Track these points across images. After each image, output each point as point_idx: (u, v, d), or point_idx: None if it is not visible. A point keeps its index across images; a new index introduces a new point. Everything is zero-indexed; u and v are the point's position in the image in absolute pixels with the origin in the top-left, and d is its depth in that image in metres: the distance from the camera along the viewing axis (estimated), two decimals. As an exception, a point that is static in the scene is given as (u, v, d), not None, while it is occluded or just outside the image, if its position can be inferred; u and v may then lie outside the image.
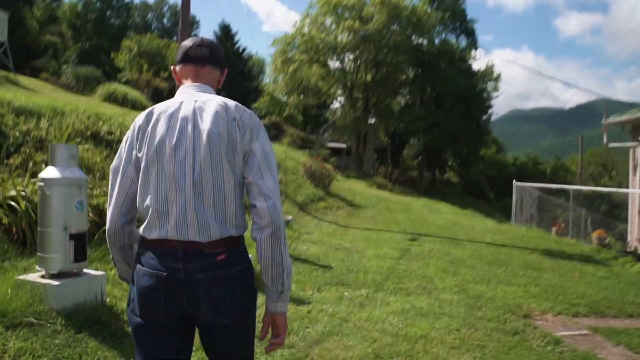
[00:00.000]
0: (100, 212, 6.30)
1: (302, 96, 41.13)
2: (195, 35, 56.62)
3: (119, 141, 9.41)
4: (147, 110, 1.93)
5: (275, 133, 28.43)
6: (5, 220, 5.11)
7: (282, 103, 41.79)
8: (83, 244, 4.44)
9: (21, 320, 3.88)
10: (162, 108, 1.90)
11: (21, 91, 11.91)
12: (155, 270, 1.79)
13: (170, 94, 24.69)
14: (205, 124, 1.82)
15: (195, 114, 1.85)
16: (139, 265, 1.85)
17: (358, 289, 6.67)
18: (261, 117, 34.55)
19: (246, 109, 1.96)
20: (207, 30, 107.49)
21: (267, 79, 50.93)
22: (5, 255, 4.86)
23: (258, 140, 1.88)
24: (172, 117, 1.85)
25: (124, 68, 30.14)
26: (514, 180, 17.49)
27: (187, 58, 2.02)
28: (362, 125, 38.39)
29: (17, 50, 31.39)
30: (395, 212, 17.56)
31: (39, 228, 4.34)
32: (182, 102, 1.90)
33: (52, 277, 4.28)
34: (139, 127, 1.88)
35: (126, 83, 24.66)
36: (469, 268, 8.43)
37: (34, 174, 6.44)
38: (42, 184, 4.31)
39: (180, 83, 2.05)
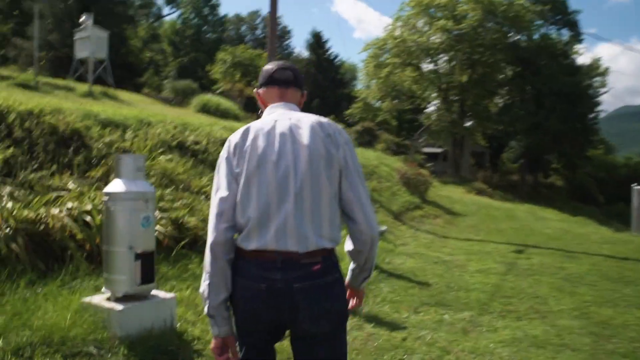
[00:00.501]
0: (179, 226, 5.97)
1: (395, 101, 40.22)
2: (287, 44, 57.72)
3: (205, 151, 9.19)
4: (242, 129, 2.03)
5: (368, 139, 27.77)
6: (79, 235, 4.85)
7: (376, 109, 41.17)
8: (150, 264, 4.04)
9: (81, 349, 3.51)
10: (258, 126, 2.00)
11: (117, 104, 12.10)
12: (254, 282, 1.88)
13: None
14: (304, 140, 1.93)
15: (292, 131, 1.96)
16: (236, 277, 1.93)
17: (460, 310, 5.88)
18: (354, 124, 34.25)
19: (337, 125, 2.07)
20: (299, 40, 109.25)
21: (360, 85, 50.66)
22: (76, 273, 4.57)
23: (351, 155, 2.01)
24: (270, 134, 1.96)
25: (218, 79, 30.80)
26: (634, 184, 15.67)
27: (273, 80, 2.14)
28: (459, 129, 36.84)
29: (121, 67, 33.01)
30: (498, 219, 16.34)
31: (103, 246, 4.00)
32: (276, 120, 2.01)
33: (117, 300, 3.91)
34: (235, 145, 1.98)
35: (221, 94, 25.10)
36: (588, 286, 7.33)
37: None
38: (106, 198, 3.96)
39: (265, 105, 2.17)
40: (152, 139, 8.12)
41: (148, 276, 4.04)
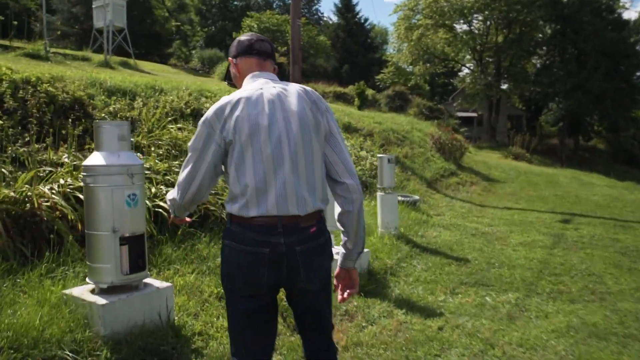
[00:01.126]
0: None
1: (428, 64, 38.95)
2: (316, 9, 56.16)
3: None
4: (226, 98, 2.03)
5: (400, 103, 26.75)
6: (71, 215, 4.31)
7: (407, 73, 40.07)
8: (140, 249, 3.46)
9: (55, 353, 2.96)
10: (244, 95, 2.02)
11: (134, 74, 11.52)
12: (256, 247, 1.93)
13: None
14: (292, 107, 2.01)
15: (281, 98, 2.02)
16: (234, 243, 1.98)
17: (503, 291, 5.19)
18: (384, 89, 33.23)
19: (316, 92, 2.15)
20: (328, 4, 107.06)
21: (391, 49, 49.45)
22: (62, 258, 4.03)
23: (333, 121, 2.13)
24: (258, 102, 2.00)
25: (245, 47, 29.99)
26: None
27: (252, 50, 2.16)
28: (494, 92, 35.45)
29: (146, 37, 32.63)
30: (539, 186, 15.39)
31: (85, 230, 3.42)
32: (262, 89, 2.05)
33: (102, 292, 3.35)
34: (223, 114, 1.98)
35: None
36: (649, 261, 6.53)
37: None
38: (84, 173, 3.37)
39: (240, 74, 2.19)
40: (163, 107, 7.51)
41: (138, 263, 3.47)
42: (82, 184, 4.35)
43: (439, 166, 14.35)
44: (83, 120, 6.10)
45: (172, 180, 5.66)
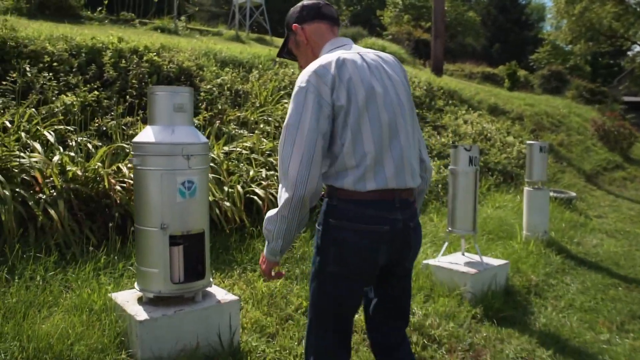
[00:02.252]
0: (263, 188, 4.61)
1: (590, 42, 35.15)
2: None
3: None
4: (331, 60, 1.76)
5: (556, 85, 24.06)
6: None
7: (566, 52, 36.59)
8: (199, 252, 2.73)
9: (77, 379, 2.32)
10: (344, 56, 1.79)
11: (265, 48, 11.06)
12: (374, 225, 1.75)
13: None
14: (394, 75, 1.86)
15: (383, 65, 1.85)
16: (345, 222, 1.75)
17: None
18: (538, 69, 30.47)
19: None
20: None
21: (548, 26, 45.73)
22: (130, 249, 3.45)
23: None
24: (364, 66, 1.80)
25: (389, 25, 29.02)
26: None
27: (322, 15, 1.95)
28: (674, 73, 30.88)
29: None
30: None
31: (135, 224, 2.75)
32: (359, 53, 1.85)
33: (149, 303, 2.66)
34: (332, 76, 1.72)
35: (391, 39, 23.35)
36: None
37: (217, 136, 5.07)
38: (133, 152, 2.68)
39: (309, 41, 1.94)
40: (281, 79, 6.83)
41: (196, 269, 2.74)
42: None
43: (601, 157, 12.30)
44: (188, 92, 5.58)
45: (274, 162, 4.93)
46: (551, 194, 7.12)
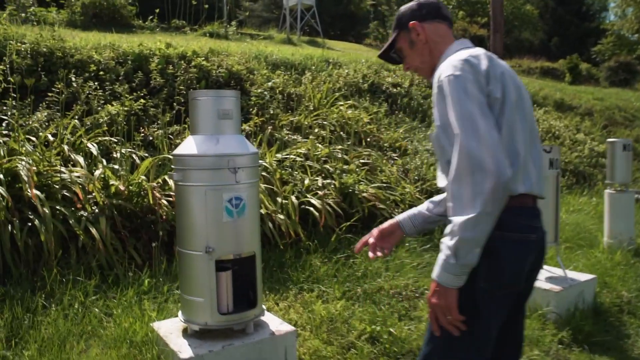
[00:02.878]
0: (348, 196, 4.25)
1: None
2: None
3: (407, 95, 7.32)
4: (478, 53, 1.63)
5: (624, 77, 22.70)
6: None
7: (632, 42, 34.82)
8: (250, 278, 2.40)
9: None
10: (492, 55, 1.67)
11: (315, 50, 10.78)
12: (525, 233, 1.60)
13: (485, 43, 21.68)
14: (519, 81, 1.71)
15: (511, 69, 1.73)
16: (497, 231, 1.51)
17: None
18: (601, 62, 29.07)
19: None
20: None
21: (612, 16, 43.75)
22: (166, 270, 3.16)
23: None
24: (502, 66, 1.66)
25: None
26: None
27: (443, 16, 1.82)
28: None
29: (342, 18, 32.67)
30: None
31: (177, 247, 2.45)
32: (489, 54, 1.68)
33: (195, 335, 2.35)
34: (487, 67, 1.58)
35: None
36: None
37: (270, 143, 4.76)
38: (173, 166, 2.38)
39: (427, 40, 1.78)
40: (336, 81, 6.48)
41: (247, 297, 2.41)
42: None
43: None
44: (238, 98, 5.31)
45: (331, 169, 4.57)
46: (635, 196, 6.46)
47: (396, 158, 5.66)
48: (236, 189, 2.29)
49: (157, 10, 10.01)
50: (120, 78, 4.80)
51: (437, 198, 1.91)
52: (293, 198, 3.94)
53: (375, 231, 1.89)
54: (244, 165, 2.31)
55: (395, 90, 7.35)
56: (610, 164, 5.59)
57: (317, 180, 4.34)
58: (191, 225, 2.29)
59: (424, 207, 1.91)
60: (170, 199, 3.54)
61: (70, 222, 3.08)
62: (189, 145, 2.30)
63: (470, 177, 1.44)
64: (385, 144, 5.82)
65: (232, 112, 2.35)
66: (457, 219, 1.43)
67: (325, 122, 5.41)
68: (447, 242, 1.45)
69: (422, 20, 1.79)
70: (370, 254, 1.87)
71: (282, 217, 3.81)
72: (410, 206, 4.76)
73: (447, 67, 1.58)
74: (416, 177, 5.29)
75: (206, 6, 10.93)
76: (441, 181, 1.71)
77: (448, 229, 1.45)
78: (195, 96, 2.34)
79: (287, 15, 13.89)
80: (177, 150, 2.33)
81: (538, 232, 1.65)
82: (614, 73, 22.62)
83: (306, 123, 5.27)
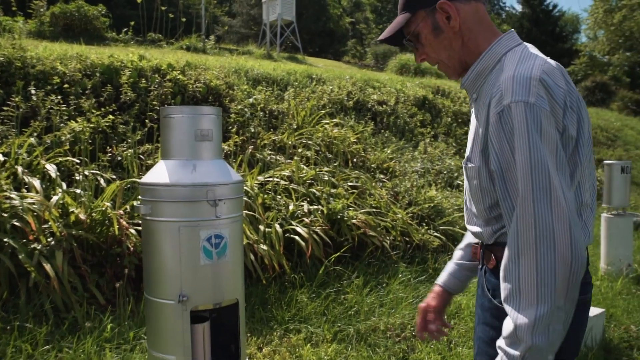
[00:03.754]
0: (336, 223, 3.89)
1: (629, 52, 34.29)
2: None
3: (393, 113, 7.01)
4: (552, 66, 1.20)
5: (601, 96, 22.91)
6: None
7: (603, 63, 35.57)
8: (232, 329, 2.01)
9: None
10: (562, 69, 1.24)
11: (295, 65, 10.48)
12: (587, 293, 1.31)
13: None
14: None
15: None
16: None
17: None
18: (578, 82, 29.54)
19: None
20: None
21: (584, 37, 44.71)
22: (134, 311, 2.75)
23: None
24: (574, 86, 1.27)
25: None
26: None
27: None
28: None
29: (321, 35, 32.58)
30: None
31: (144, 293, 2.05)
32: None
33: (163, 403, 1.94)
34: (558, 89, 1.17)
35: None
36: None
37: (250, 164, 4.39)
38: (140, 197, 1.99)
39: (460, 26, 1.30)
40: (319, 98, 6.15)
41: (226, 352, 2.02)
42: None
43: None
44: (216, 114, 4.93)
45: (317, 193, 4.21)
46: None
47: (385, 180, 5.33)
48: (216, 225, 1.90)
49: (132, 23, 9.61)
50: (86, 92, 4.39)
51: (462, 244, 1.61)
52: (277, 226, 3.57)
53: (424, 309, 1.58)
54: (226, 197, 1.93)
55: (381, 108, 7.05)
56: (608, 187, 5.34)
57: (302, 205, 3.98)
58: (161, 268, 1.90)
59: (462, 257, 1.59)
60: (139, 228, 3.13)
61: (20, 257, 2.66)
62: (159, 172, 1.92)
63: (535, 257, 1.09)
64: (372, 165, 5.49)
65: (212, 132, 1.98)
66: (520, 319, 1.09)
67: (310, 142, 5.06)
68: (509, 351, 1.09)
69: None
70: (432, 336, 1.58)
71: (265, 247, 3.43)
72: (402, 233, 4.42)
73: (516, 87, 1.15)
74: (406, 202, 4.96)
75: (184, 19, 10.55)
76: (474, 225, 1.36)
77: (508, 329, 1.11)
78: (168, 113, 1.96)
79: (267, 30, 13.59)
80: (146, 178, 1.94)
81: (592, 289, 1.36)
82: (591, 93, 22.82)
83: (290, 142, 4.91)
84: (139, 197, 1.98)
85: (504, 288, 1.14)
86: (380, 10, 50.68)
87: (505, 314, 1.16)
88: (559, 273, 1.08)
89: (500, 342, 1.13)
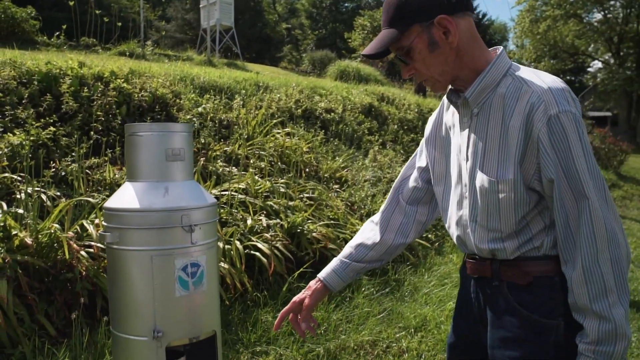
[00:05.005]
0: (296, 236, 3.77)
1: (554, 60, 36.04)
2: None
3: (341, 121, 6.97)
4: (563, 83, 1.25)
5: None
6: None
7: (530, 70, 37.27)
8: (208, 365, 1.86)
9: None
10: None
11: (239, 72, 10.27)
12: None
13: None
14: None
15: None
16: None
17: None
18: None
19: None
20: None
21: (511, 45, 46.64)
22: (104, 340, 2.54)
23: None
24: None
25: (358, 47, 28.67)
26: None
27: (472, 6, 1.31)
28: (636, 87, 31.51)
29: (257, 41, 32.38)
30: None
31: (111, 328, 1.87)
32: None
33: None
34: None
35: (362, 61, 22.88)
36: None
37: (203, 177, 4.20)
38: (104, 223, 1.81)
39: (459, 43, 1.26)
40: (267, 107, 6.02)
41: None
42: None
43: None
44: (165, 125, 4.71)
45: (275, 206, 4.08)
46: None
47: (339, 190, 5.26)
48: (192, 252, 1.75)
49: (65, 27, 9.14)
50: (24, 101, 4.08)
51: (367, 241, 1.60)
52: (237, 243, 3.41)
53: (298, 303, 1.58)
54: (202, 221, 1.78)
55: (329, 116, 6.99)
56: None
57: (261, 219, 3.83)
58: (131, 302, 1.72)
59: (351, 255, 1.59)
60: (91, 250, 2.90)
61: (-41, 288, 2.39)
62: (127, 196, 1.74)
63: (610, 256, 1.17)
64: (325, 175, 5.40)
65: (184, 151, 1.82)
66: (617, 315, 1.16)
67: (262, 152, 4.92)
68: (607, 350, 1.16)
69: (452, 13, 1.25)
70: (300, 332, 1.59)
71: (225, 266, 3.27)
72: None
73: (558, 98, 1.18)
74: (363, 212, 4.91)
75: (119, 24, 10.14)
76: (486, 242, 1.33)
77: (602, 330, 1.17)
78: (134, 131, 1.79)
79: (208, 36, 13.31)
80: (112, 203, 1.76)
81: None
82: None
83: (242, 153, 4.76)
84: (104, 222, 1.80)
85: (586, 293, 1.18)
86: (315, 17, 50.94)
87: (547, 327, 1.25)
88: (625, 267, 1.18)
89: (592, 347, 1.18)
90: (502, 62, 1.29)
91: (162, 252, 1.70)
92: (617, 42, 33.16)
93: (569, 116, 1.17)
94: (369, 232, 1.63)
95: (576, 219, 1.18)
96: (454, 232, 1.45)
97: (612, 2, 32.92)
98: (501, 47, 1.34)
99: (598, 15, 34.06)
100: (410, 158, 1.68)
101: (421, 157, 1.59)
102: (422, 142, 1.60)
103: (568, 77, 47.80)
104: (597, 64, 39.39)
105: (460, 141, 1.38)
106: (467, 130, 1.35)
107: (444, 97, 1.50)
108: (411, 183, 1.61)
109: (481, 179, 1.29)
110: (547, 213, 1.28)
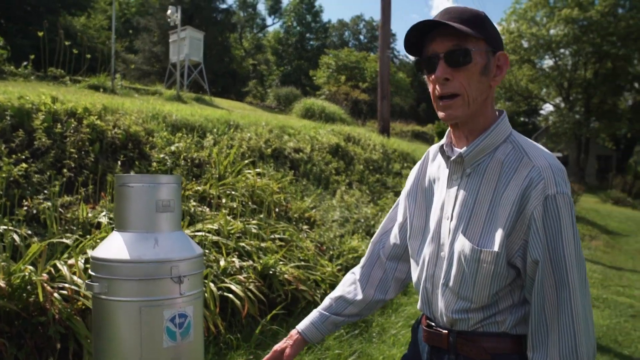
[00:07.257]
0: (266, 278, 3.80)
1: (509, 102, 37.38)
2: (392, 47, 55.18)
3: (309, 161, 7.08)
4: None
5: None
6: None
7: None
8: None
9: None
10: None
11: (208, 109, 10.31)
12: None
13: (372, 106, 22.66)
14: None
15: None
16: None
17: None
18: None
19: None
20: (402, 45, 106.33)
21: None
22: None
23: None
24: None
25: (323, 84, 29.14)
26: None
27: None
28: (584, 130, 32.91)
29: (224, 76, 32.52)
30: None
31: (93, 376, 1.87)
32: None
33: None
34: None
35: (326, 99, 23.28)
36: None
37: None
38: (92, 273, 1.83)
39: (498, 83, 1.31)
40: (239, 146, 6.08)
41: None
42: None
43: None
44: (137, 162, 4.71)
45: (247, 247, 4.12)
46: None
47: (308, 231, 5.32)
48: (180, 303, 1.78)
49: (33, 57, 9.07)
50: (-6, 137, 4.05)
51: (348, 295, 1.62)
52: (212, 285, 3.42)
53: (279, 352, 1.61)
54: (190, 272, 1.82)
55: (297, 155, 7.10)
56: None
57: (234, 261, 3.86)
58: (118, 353, 1.74)
59: (331, 308, 1.63)
60: (64, 292, 2.88)
61: None
62: (116, 246, 1.78)
63: (585, 348, 1.17)
64: (294, 215, 5.47)
65: (174, 202, 1.88)
66: None
67: (234, 192, 4.96)
68: None
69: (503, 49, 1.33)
70: None
71: (199, 308, 3.27)
72: (332, 286, 4.40)
73: (558, 178, 1.19)
74: (332, 253, 4.98)
75: (88, 56, 10.09)
76: (452, 309, 1.29)
77: None
78: (125, 182, 1.83)
79: (177, 71, 13.35)
80: (101, 253, 1.79)
81: None
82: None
83: (214, 193, 4.79)
84: (91, 272, 1.81)
85: None
86: (281, 53, 51.64)
87: None
88: (594, 356, 1.19)
89: None
90: (505, 125, 1.29)
91: (151, 303, 1.74)
92: (567, 88, 34.65)
93: (565, 199, 1.17)
94: (349, 286, 1.65)
95: (555, 306, 1.16)
96: (421, 289, 1.41)
97: (562, 50, 34.45)
98: (504, 111, 1.34)
99: (550, 62, 35.60)
100: (391, 209, 1.68)
101: (400, 211, 1.59)
102: (402, 194, 1.60)
103: (522, 119, 49.46)
104: (549, 107, 41.01)
105: (445, 198, 1.35)
106: (455, 189, 1.32)
107: (429, 149, 1.53)
108: (392, 240, 1.61)
109: (462, 243, 1.25)
110: (518, 292, 1.25)
